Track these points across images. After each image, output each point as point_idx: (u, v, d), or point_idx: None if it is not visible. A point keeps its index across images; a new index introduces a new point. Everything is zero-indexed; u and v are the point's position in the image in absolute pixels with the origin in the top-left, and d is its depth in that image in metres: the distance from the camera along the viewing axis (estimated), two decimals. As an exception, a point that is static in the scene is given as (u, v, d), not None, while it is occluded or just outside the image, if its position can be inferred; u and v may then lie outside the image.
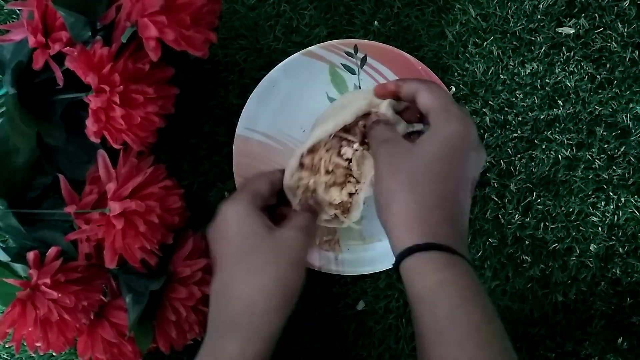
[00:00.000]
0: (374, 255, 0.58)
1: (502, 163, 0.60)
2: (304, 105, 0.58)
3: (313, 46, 0.57)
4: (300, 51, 0.57)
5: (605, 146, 0.60)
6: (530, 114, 0.60)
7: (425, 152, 0.42)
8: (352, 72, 0.58)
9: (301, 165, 0.52)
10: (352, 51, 0.58)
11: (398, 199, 0.41)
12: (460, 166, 0.42)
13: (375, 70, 0.58)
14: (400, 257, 0.40)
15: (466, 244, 0.42)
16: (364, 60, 0.58)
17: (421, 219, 0.40)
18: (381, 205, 0.43)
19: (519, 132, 0.60)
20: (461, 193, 0.42)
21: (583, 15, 0.60)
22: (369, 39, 0.60)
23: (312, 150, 0.51)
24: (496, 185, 0.60)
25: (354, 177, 0.52)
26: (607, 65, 0.60)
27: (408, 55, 0.57)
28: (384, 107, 0.49)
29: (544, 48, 0.60)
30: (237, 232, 0.44)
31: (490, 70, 0.60)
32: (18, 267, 0.48)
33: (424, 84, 0.46)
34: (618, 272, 0.60)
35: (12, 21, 0.61)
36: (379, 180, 0.43)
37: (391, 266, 0.56)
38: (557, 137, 0.60)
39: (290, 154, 0.53)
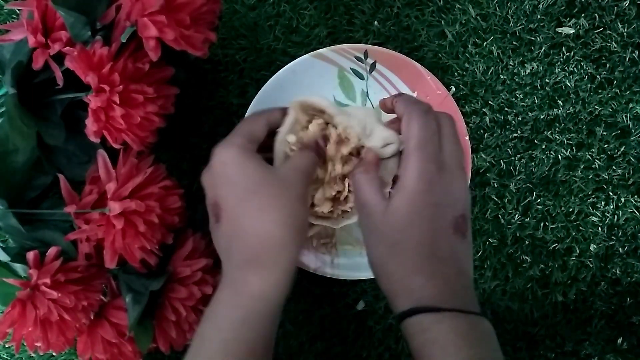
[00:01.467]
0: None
1: (502, 163, 0.60)
2: None
3: (323, 49, 0.57)
4: (310, 53, 0.57)
5: (605, 146, 0.60)
6: (530, 114, 0.60)
7: (392, 221, 0.41)
8: (361, 77, 0.59)
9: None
10: (362, 56, 0.58)
11: (384, 271, 0.42)
12: (431, 224, 0.41)
13: (383, 77, 0.58)
14: (397, 322, 0.42)
15: (465, 287, 0.41)
16: (373, 66, 0.58)
17: (404, 287, 0.41)
18: (375, 274, 0.44)
19: (519, 132, 0.60)
20: (444, 243, 0.41)
21: (583, 15, 0.60)
22: (368, 39, 0.60)
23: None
24: (496, 185, 0.60)
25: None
26: (607, 65, 0.60)
27: (418, 65, 0.57)
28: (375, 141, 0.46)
29: (543, 48, 0.60)
30: (239, 173, 0.43)
31: (490, 70, 0.60)
32: (18, 267, 0.48)
33: (410, 110, 0.43)
34: (618, 272, 0.60)
35: (12, 21, 0.61)
36: (367, 249, 0.44)
37: None
38: (557, 137, 0.60)
39: None
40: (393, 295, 0.42)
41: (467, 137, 0.58)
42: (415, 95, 0.58)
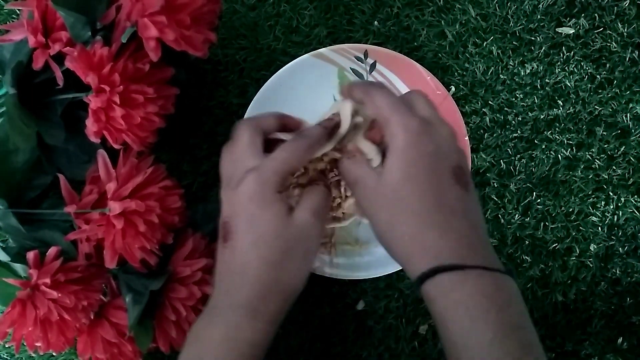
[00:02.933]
0: (369, 261, 0.58)
1: (502, 163, 0.60)
2: (310, 106, 0.57)
3: (323, 48, 0.57)
4: (311, 52, 0.57)
5: (605, 146, 0.60)
6: (530, 114, 0.60)
7: (390, 181, 0.39)
8: (361, 77, 0.59)
9: None
10: (362, 56, 0.58)
11: (393, 236, 0.40)
12: (430, 175, 0.39)
13: (383, 77, 0.58)
14: (416, 287, 0.39)
15: (482, 241, 0.39)
16: (373, 66, 0.58)
17: (418, 245, 0.39)
18: (384, 245, 0.42)
19: (519, 132, 0.60)
20: (448, 193, 0.39)
21: (583, 15, 0.60)
22: (368, 39, 0.60)
23: None
24: (496, 185, 0.60)
25: None
26: (607, 65, 0.60)
27: (418, 65, 0.57)
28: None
29: (543, 48, 0.60)
30: (259, 216, 0.41)
31: (490, 70, 0.60)
32: (18, 266, 0.48)
33: (368, 90, 0.42)
34: (618, 272, 0.60)
35: (12, 21, 0.61)
36: (371, 222, 0.42)
37: (385, 273, 0.57)
38: (557, 137, 0.60)
39: None
40: (407, 258, 0.39)
41: (467, 138, 0.58)
42: None
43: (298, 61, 0.57)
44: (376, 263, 0.57)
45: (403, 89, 0.58)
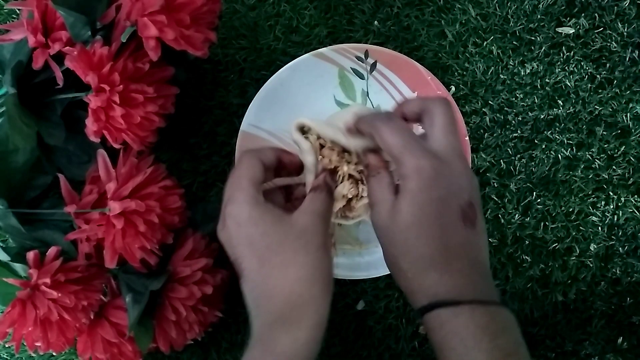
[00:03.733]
0: (369, 261, 0.58)
1: (502, 163, 0.60)
2: (311, 106, 0.58)
3: (324, 48, 0.57)
4: (311, 52, 0.57)
5: (605, 146, 0.60)
6: (530, 114, 0.60)
7: (400, 221, 0.40)
8: (361, 77, 0.59)
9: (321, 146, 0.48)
10: (363, 56, 0.58)
11: (399, 269, 0.41)
12: (438, 220, 0.40)
13: (384, 77, 0.58)
14: (417, 316, 0.42)
15: (482, 276, 0.41)
16: (373, 66, 0.58)
17: (419, 284, 0.41)
18: (392, 273, 0.43)
19: (519, 132, 0.60)
20: (453, 236, 0.40)
21: (583, 15, 0.60)
22: (368, 39, 0.60)
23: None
24: (496, 185, 0.60)
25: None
26: (607, 65, 0.60)
27: (418, 65, 0.57)
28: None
29: (544, 48, 0.60)
30: (257, 233, 0.42)
31: (490, 70, 0.60)
32: (18, 266, 0.48)
33: (376, 125, 0.42)
34: (618, 272, 0.60)
35: (12, 21, 0.61)
36: (382, 249, 0.43)
37: (385, 273, 0.57)
38: (557, 137, 0.60)
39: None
40: (410, 293, 0.41)
41: (467, 138, 0.58)
42: (415, 95, 0.58)
43: (298, 61, 0.57)
44: (376, 263, 0.57)
45: (404, 89, 0.58)
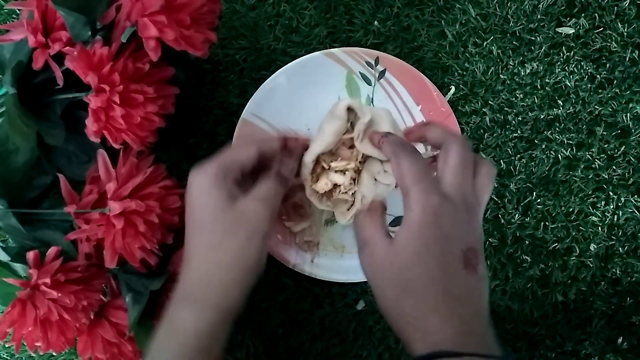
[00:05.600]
0: (349, 265, 0.58)
1: (502, 163, 0.60)
2: (315, 104, 0.58)
3: (336, 49, 0.57)
4: (322, 51, 0.57)
5: (605, 146, 0.60)
6: (530, 114, 0.60)
7: (402, 255, 0.39)
8: (369, 82, 0.59)
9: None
10: (373, 62, 0.58)
11: (397, 313, 0.40)
12: (440, 260, 0.39)
13: (390, 86, 0.58)
14: None
15: (484, 327, 0.39)
16: (382, 74, 0.58)
17: (419, 329, 0.39)
18: (387, 317, 0.42)
19: (519, 132, 0.60)
20: (456, 280, 0.39)
21: (583, 15, 0.60)
22: (368, 39, 0.60)
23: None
24: (496, 185, 0.60)
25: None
26: (607, 65, 0.60)
27: (426, 79, 0.57)
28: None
29: (544, 48, 0.60)
30: (198, 204, 0.43)
31: (490, 70, 0.60)
32: (18, 266, 0.48)
33: (397, 152, 0.42)
34: (618, 272, 0.60)
35: (12, 21, 0.61)
36: (375, 292, 0.42)
37: (364, 280, 0.56)
38: (557, 137, 0.60)
39: None
40: (408, 338, 0.40)
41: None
42: (419, 109, 0.58)
43: (309, 57, 0.57)
44: (356, 268, 0.57)
45: (408, 100, 0.58)
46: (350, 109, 0.48)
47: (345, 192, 0.49)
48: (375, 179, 0.48)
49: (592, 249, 0.60)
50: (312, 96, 0.58)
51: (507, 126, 0.60)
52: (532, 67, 0.60)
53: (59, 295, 0.45)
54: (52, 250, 0.47)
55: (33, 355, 0.61)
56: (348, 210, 0.50)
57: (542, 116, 0.60)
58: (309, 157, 0.48)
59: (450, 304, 0.38)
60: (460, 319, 0.38)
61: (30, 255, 0.46)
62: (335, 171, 0.48)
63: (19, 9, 0.60)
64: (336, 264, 0.58)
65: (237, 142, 0.56)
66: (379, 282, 0.41)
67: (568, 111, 0.60)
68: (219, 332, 0.43)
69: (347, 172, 0.48)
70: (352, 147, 0.49)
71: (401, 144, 0.43)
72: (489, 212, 0.60)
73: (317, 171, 0.49)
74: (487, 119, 0.60)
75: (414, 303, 0.39)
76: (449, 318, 0.38)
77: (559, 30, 0.60)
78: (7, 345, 0.61)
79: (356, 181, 0.49)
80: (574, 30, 0.60)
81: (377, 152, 0.47)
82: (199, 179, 0.43)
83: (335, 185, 0.49)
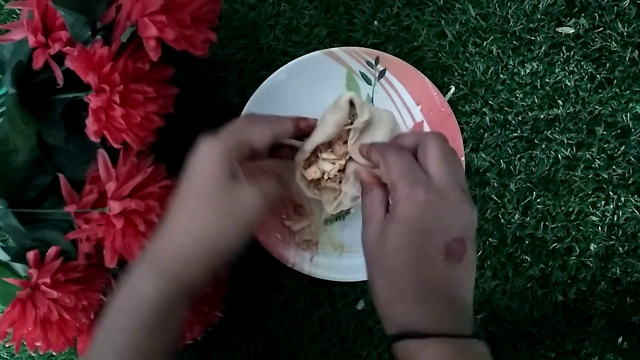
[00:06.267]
0: (348, 265, 0.58)
1: (502, 163, 0.60)
2: (314, 103, 0.57)
3: (336, 48, 0.57)
4: (323, 50, 0.57)
5: (605, 146, 0.60)
6: (530, 114, 0.60)
7: (386, 245, 0.41)
8: (369, 82, 0.59)
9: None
10: (373, 62, 0.58)
11: (374, 292, 0.42)
12: (419, 251, 0.40)
13: (391, 86, 0.58)
14: (388, 344, 0.43)
15: (456, 313, 0.40)
16: (382, 73, 0.58)
17: (389, 312, 0.41)
18: (370, 292, 0.44)
19: (519, 131, 0.60)
20: (431, 271, 0.40)
21: (583, 15, 0.60)
22: (368, 39, 0.60)
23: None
24: (496, 185, 0.60)
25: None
26: (607, 65, 0.60)
27: (426, 79, 0.57)
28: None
29: (543, 48, 0.60)
30: (200, 172, 0.43)
31: (490, 70, 0.60)
32: (18, 266, 0.48)
33: (384, 151, 0.44)
34: (618, 271, 0.60)
35: (12, 21, 0.61)
36: (366, 266, 0.44)
37: (362, 279, 0.57)
38: (557, 136, 0.60)
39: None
40: (382, 318, 0.42)
41: (463, 158, 0.58)
42: (419, 109, 0.58)
43: (309, 56, 0.57)
44: (355, 267, 0.57)
45: (408, 100, 0.58)
46: (352, 104, 0.49)
47: (333, 181, 0.50)
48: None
49: (592, 249, 0.60)
50: (312, 95, 0.58)
51: (507, 126, 0.60)
52: (532, 67, 0.60)
53: (59, 295, 0.45)
54: (52, 250, 0.47)
55: (33, 355, 0.61)
56: (335, 199, 0.51)
57: (542, 116, 0.60)
58: (309, 146, 0.49)
59: (420, 293, 0.40)
60: (430, 307, 0.40)
61: (31, 255, 0.46)
62: (324, 159, 0.50)
63: (19, 9, 0.60)
64: (335, 263, 0.58)
65: (251, 110, 0.56)
66: (369, 260, 0.43)
67: (568, 111, 0.60)
68: (177, 306, 0.42)
69: (336, 162, 0.50)
70: (346, 142, 0.49)
71: (387, 144, 0.45)
72: (489, 212, 0.60)
73: (311, 159, 0.50)
74: (487, 118, 0.60)
75: (387, 287, 0.41)
76: (416, 305, 0.40)
77: (559, 30, 0.60)
78: (7, 345, 0.61)
79: (344, 171, 0.50)
80: (574, 30, 0.60)
81: (368, 163, 0.48)
82: (209, 147, 0.43)
83: (324, 174, 0.50)
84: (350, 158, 0.50)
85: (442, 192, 0.40)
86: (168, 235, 0.43)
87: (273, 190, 0.45)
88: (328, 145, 0.50)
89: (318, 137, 0.49)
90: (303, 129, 0.49)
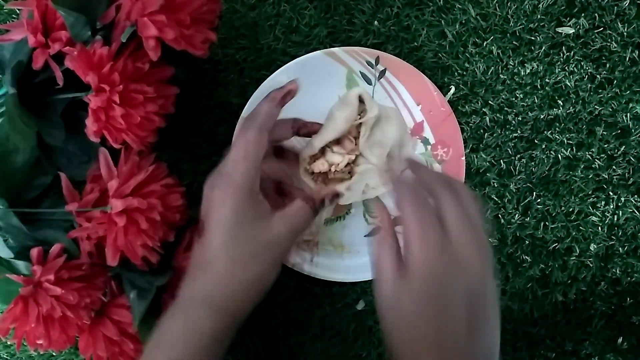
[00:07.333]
0: (348, 265, 0.58)
1: (502, 163, 0.60)
2: (314, 103, 0.57)
3: (336, 48, 0.57)
4: (323, 50, 0.57)
5: (605, 146, 0.60)
6: (530, 114, 0.60)
7: (406, 305, 0.39)
8: (369, 82, 0.59)
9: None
10: (373, 62, 0.58)
11: (393, 347, 0.41)
12: (438, 303, 0.38)
13: (391, 86, 0.58)
14: None
15: None
16: (382, 73, 0.58)
17: None
18: (388, 345, 0.42)
19: (519, 131, 0.60)
20: (450, 327, 0.38)
21: (583, 15, 0.60)
22: (368, 39, 0.60)
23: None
24: (496, 185, 0.60)
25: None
26: (607, 65, 0.60)
27: (426, 79, 0.57)
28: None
29: (543, 48, 0.60)
30: (232, 217, 0.44)
31: (490, 70, 0.60)
32: (20, 264, 0.48)
33: (404, 192, 0.41)
34: (618, 272, 0.60)
35: (12, 21, 0.61)
36: (382, 322, 0.42)
37: (364, 279, 0.57)
38: (557, 136, 0.60)
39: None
40: None
41: (463, 158, 0.58)
42: (419, 109, 0.58)
43: (310, 56, 0.57)
44: (355, 268, 0.57)
45: (408, 100, 0.58)
46: (361, 100, 0.49)
47: (341, 172, 0.50)
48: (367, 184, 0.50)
49: (592, 249, 0.60)
50: (312, 95, 0.57)
51: (507, 126, 0.60)
52: (532, 67, 0.60)
53: (62, 292, 0.46)
54: (55, 247, 0.47)
55: (33, 355, 0.61)
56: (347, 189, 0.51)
57: (542, 116, 0.60)
58: (319, 142, 0.49)
59: (445, 347, 0.38)
60: None
61: (34, 252, 0.47)
62: (334, 152, 0.50)
63: (19, 9, 0.60)
64: (335, 263, 0.58)
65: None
66: (387, 316, 0.41)
67: (568, 111, 0.60)
68: (227, 336, 0.45)
69: (345, 156, 0.50)
70: (356, 137, 0.49)
71: (401, 184, 0.42)
72: (489, 212, 0.60)
73: (317, 154, 0.51)
74: (487, 119, 0.60)
75: (408, 342, 0.39)
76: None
77: (559, 30, 0.60)
78: (8, 343, 0.61)
79: (354, 163, 0.50)
80: (574, 30, 0.60)
81: (380, 162, 0.49)
82: (234, 189, 0.44)
83: (332, 167, 0.50)
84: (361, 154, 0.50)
85: (457, 242, 0.39)
86: (217, 277, 0.45)
87: (304, 221, 0.47)
88: (336, 141, 0.50)
89: (328, 134, 0.49)
90: (303, 132, 0.50)
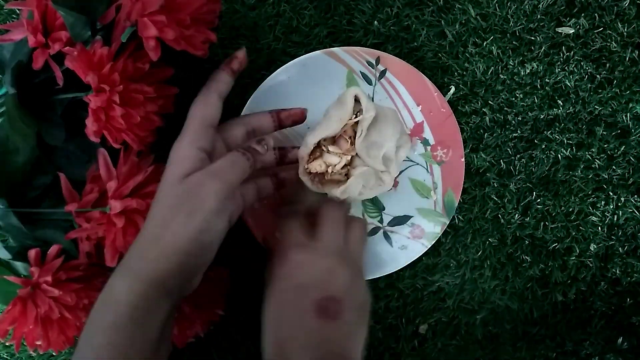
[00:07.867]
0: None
1: (502, 163, 0.60)
2: (315, 103, 0.57)
3: (337, 48, 0.57)
4: (323, 50, 0.57)
5: (605, 146, 0.60)
6: (530, 114, 0.60)
7: (269, 303, 0.47)
8: (369, 82, 0.59)
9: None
10: (374, 62, 0.58)
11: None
12: (289, 307, 0.45)
13: (391, 86, 0.58)
14: None
15: None
16: (382, 74, 0.58)
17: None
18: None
19: (518, 131, 0.60)
20: (298, 330, 0.44)
21: (583, 15, 0.60)
22: (368, 39, 0.60)
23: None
24: (496, 185, 0.60)
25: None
26: (607, 65, 0.60)
27: (426, 79, 0.57)
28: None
29: (543, 48, 0.60)
30: (163, 177, 0.45)
31: (490, 70, 0.60)
32: (19, 265, 0.48)
33: (280, 218, 0.50)
34: (618, 272, 0.60)
35: (12, 21, 0.61)
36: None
37: (370, 277, 0.58)
38: (557, 136, 0.60)
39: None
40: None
41: (463, 159, 0.58)
42: (419, 109, 0.58)
43: (310, 56, 0.57)
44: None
45: (408, 100, 0.58)
46: (357, 100, 0.49)
47: (338, 174, 0.51)
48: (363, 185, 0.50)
49: (592, 249, 0.60)
50: (312, 95, 0.58)
51: (507, 126, 0.60)
52: (532, 67, 0.60)
53: (60, 293, 0.46)
54: (53, 249, 0.47)
55: (33, 355, 0.61)
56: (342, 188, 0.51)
57: (542, 116, 0.60)
58: (312, 139, 0.49)
59: (286, 352, 0.43)
60: None
61: (32, 253, 0.47)
62: (330, 152, 0.50)
63: (19, 9, 0.60)
64: None
65: (251, 110, 0.58)
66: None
67: (568, 111, 0.60)
68: (152, 306, 0.42)
69: (342, 157, 0.50)
70: (352, 137, 0.50)
71: (288, 210, 0.51)
72: (489, 212, 0.60)
73: (316, 154, 0.51)
74: (487, 119, 0.60)
75: (266, 340, 0.46)
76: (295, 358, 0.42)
77: (559, 30, 0.60)
78: (7, 344, 0.61)
79: (350, 165, 0.51)
80: (574, 30, 0.60)
81: (373, 163, 0.49)
82: (181, 147, 0.46)
83: (329, 167, 0.51)
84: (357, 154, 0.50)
85: (321, 254, 0.45)
86: (136, 242, 0.44)
87: (225, 163, 0.45)
88: (332, 140, 0.51)
89: (322, 131, 0.49)
90: (284, 119, 0.51)
